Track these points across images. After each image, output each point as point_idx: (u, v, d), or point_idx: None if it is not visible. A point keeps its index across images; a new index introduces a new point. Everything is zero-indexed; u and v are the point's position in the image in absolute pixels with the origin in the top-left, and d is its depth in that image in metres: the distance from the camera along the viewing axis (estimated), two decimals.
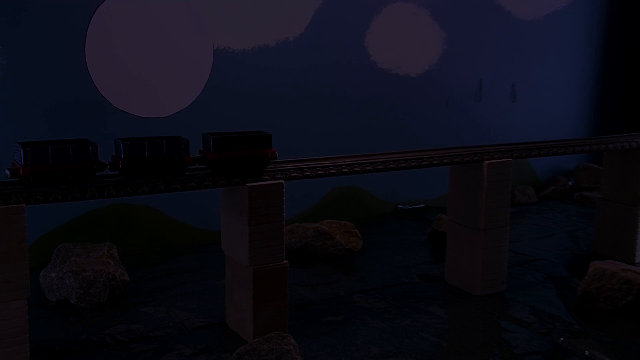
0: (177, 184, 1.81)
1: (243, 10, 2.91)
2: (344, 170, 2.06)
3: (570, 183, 4.02)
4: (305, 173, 1.99)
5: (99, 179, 1.74)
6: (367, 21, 3.25)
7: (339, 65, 3.19)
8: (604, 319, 2.14)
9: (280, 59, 3.02)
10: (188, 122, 2.80)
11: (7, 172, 1.63)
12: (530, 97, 3.90)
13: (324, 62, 3.15)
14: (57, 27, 2.53)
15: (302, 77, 3.10)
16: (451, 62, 3.53)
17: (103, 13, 2.60)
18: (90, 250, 2.30)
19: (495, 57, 3.70)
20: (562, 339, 1.99)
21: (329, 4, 3.12)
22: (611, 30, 4.18)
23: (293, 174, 1.97)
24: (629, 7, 4.23)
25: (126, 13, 2.65)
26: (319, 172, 2.02)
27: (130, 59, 2.68)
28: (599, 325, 2.09)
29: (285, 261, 1.95)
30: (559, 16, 3.91)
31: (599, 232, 2.79)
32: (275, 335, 1.75)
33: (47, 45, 2.52)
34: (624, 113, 4.35)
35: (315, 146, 3.01)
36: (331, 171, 2.04)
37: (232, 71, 2.91)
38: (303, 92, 3.12)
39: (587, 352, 1.91)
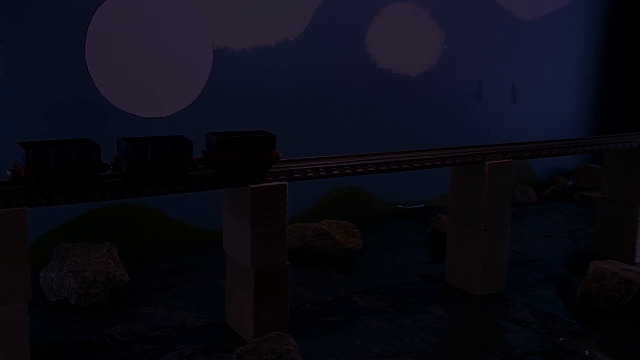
0: (180, 185, 1.80)
1: (243, 10, 2.91)
2: (346, 171, 2.06)
3: (570, 183, 4.02)
4: (309, 174, 1.98)
5: (101, 179, 1.73)
6: (367, 21, 3.25)
7: (339, 65, 3.19)
8: (604, 319, 2.14)
9: (280, 59, 3.02)
10: (188, 122, 2.80)
11: (9, 173, 1.62)
12: (530, 97, 3.90)
13: (324, 62, 3.15)
14: (57, 27, 2.53)
15: (302, 77, 3.10)
16: (451, 62, 3.53)
17: (103, 13, 2.60)
18: (90, 250, 2.30)
19: (495, 57, 3.70)
20: (562, 339, 1.99)
21: (329, 4, 3.12)
22: (611, 30, 4.18)
23: (296, 175, 1.96)
24: (629, 7, 4.23)
25: (126, 13, 2.65)
26: (321, 174, 2.01)
27: (130, 59, 2.68)
28: (599, 325, 2.09)
29: (287, 262, 1.94)
30: (559, 16, 3.91)
31: (599, 232, 2.79)
32: (275, 335, 1.75)
33: (47, 45, 2.52)
34: (624, 113, 4.35)
35: (315, 146, 3.01)
36: (334, 172, 2.03)
37: (232, 71, 2.91)
38: (303, 92, 3.12)
39: (587, 352, 1.91)
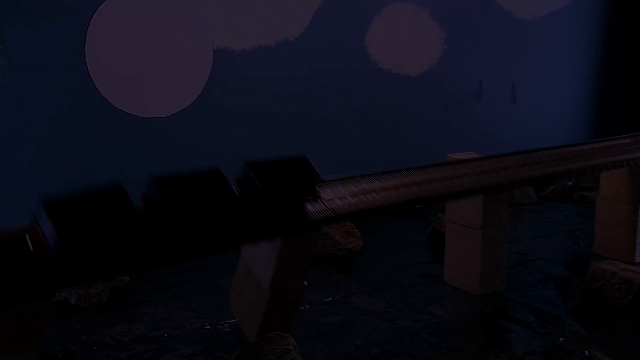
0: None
1: (243, 10, 2.91)
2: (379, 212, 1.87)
3: (570, 183, 4.02)
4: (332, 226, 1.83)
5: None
6: (367, 21, 3.25)
7: (339, 66, 3.19)
8: (604, 319, 2.14)
9: (280, 59, 3.02)
10: (188, 122, 2.80)
11: (30, 244, 1.29)
12: (530, 97, 3.90)
13: (324, 62, 3.15)
14: (57, 27, 2.53)
15: (302, 77, 3.10)
16: (451, 62, 3.53)
17: (103, 13, 2.60)
18: None
19: (495, 57, 3.70)
20: (562, 339, 1.99)
21: (329, 4, 3.12)
22: (611, 30, 4.18)
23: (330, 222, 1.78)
24: (629, 7, 4.23)
25: (126, 13, 2.65)
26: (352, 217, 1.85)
27: (130, 59, 2.68)
28: (599, 325, 2.09)
29: (306, 284, 1.86)
30: (559, 16, 3.91)
31: (599, 232, 2.79)
32: (275, 335, 1.75)
33: (47, 45, 2.52)
34: (624, 113, 4.35)
35: (315, 145, 3.01)
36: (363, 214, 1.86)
37: (232, 71, 2.91)
38: (303, 92, 3.12)
39: (587, 352, 1.91)
